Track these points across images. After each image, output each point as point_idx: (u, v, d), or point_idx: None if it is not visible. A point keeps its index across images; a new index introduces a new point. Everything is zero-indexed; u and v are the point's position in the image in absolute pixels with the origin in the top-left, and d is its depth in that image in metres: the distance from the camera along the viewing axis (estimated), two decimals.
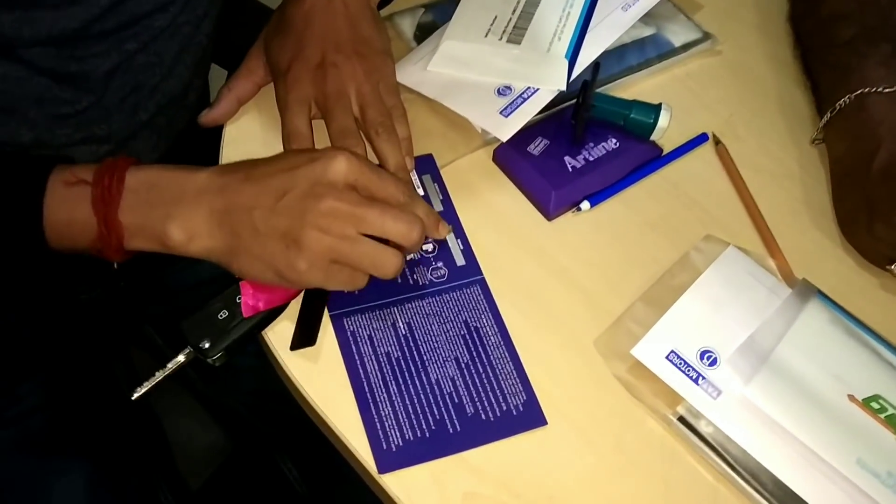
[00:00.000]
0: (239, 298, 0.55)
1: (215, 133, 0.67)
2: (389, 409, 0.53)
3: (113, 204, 0.52)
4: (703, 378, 0.55)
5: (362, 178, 0.52)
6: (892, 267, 0.62)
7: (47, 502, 0.67)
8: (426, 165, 0.65)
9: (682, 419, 0.54)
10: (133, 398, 0.55)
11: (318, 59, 0.62)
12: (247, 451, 0.87)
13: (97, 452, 0.71)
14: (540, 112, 0.65)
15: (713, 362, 0.55)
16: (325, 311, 0.57)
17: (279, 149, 0.62)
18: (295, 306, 0.57)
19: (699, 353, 0.56)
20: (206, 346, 0.54)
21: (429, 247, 0.61)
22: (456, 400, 0.54)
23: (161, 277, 0.83)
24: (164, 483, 0.76)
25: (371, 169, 0.53)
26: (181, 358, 0.55)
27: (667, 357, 0.55)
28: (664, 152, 0.68)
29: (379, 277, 0.54)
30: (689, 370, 0.55)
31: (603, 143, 0.66)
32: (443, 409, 0.54)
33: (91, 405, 0.75)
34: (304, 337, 0.55)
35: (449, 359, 0.56)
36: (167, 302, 0.84)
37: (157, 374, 0.55)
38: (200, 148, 0.68)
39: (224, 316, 0.55)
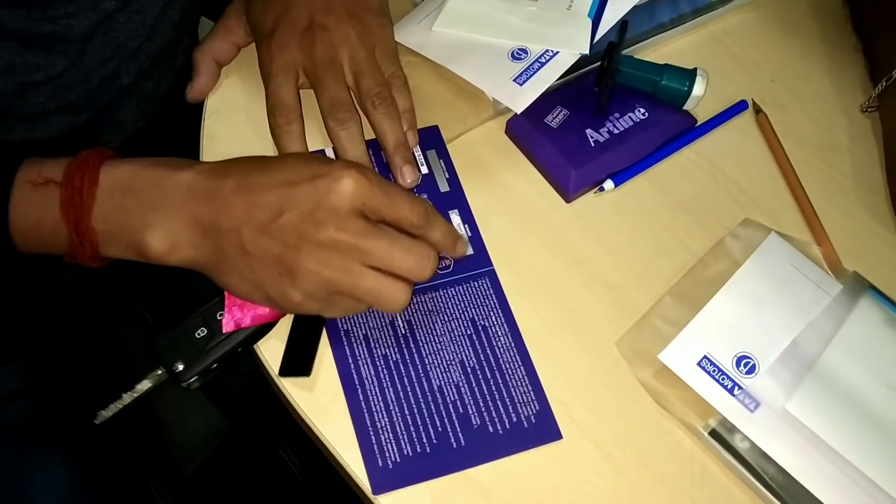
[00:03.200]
0: (220, 314, 0.49)
1: None
2: (386, 419, 0.48)
3: (84, 209, 0.46)
4: (740, 388, 0.49)
5: (371, 201, 0.45)
6: None
7: (26, 495, 0.63)
8: (431, 139, 0.59)
9: (714, 433, 0.48)
10: (97, 422, 0.49)
11: (305, 20, 0.56)
12: (244, 433, 0.83)
13: (81, 441, 0.67)
14: (559, 78, 0.58)
15: (751, 370, 0.49)
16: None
17: (264, 120, 0.56)
18: (286, 322, 0.51)
19: (735, 359, 0.49)
20: (180, 368, 0.48)
21: None
22: (461, 410, 0.49)
23: None
24: (154, 472, 0.72)
25: (382, 189, 0.46)
26: (148, 382, 0.49)
27: (699, 363, 0.49)
28: (698, 123, 0.61)
29: (383, 312, 0.48)
30: (723, 378, 0.49)
31: (630, 114, 0.59)
32: (446, 420, 0.48)
33: (75, 390, 0.70)
34: (297, 363, 0.49)
35: (453, 362, 0.50)
36: (159, 278, 0.79)
37: (123, 396, 0.49)
38: (186, 114, 0.62)
39: (202, 334, 0.49)
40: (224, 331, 0.49)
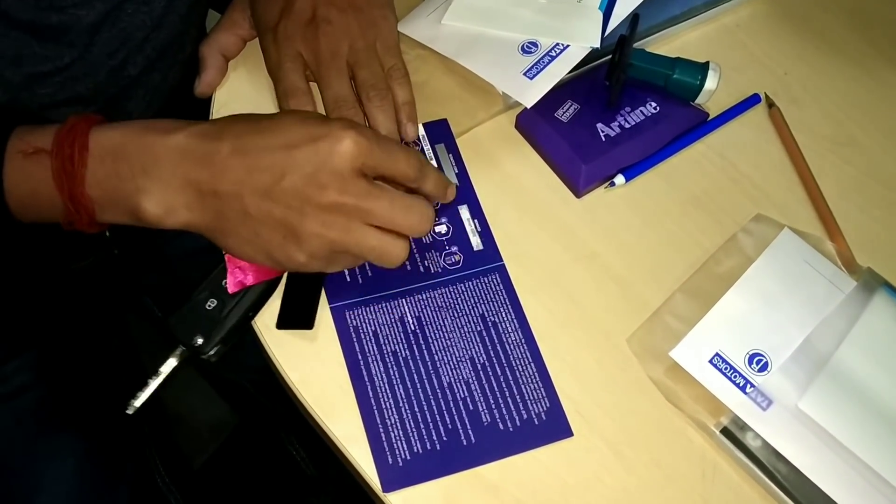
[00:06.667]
0: (225, 282, 0.49)
1: None
2: (396, 416, 0.48)
3: (77, 177, 0.46)
4: (752, 385, 0.48)
5: (370, 160, 0.46)
6: None
7: (35, 487, 0.64)
8: (440, 133, 0.58)
9: (726, 431, 0.48)
10: (129, 413, 0.50)
11: (308, 13, 0.56)
12: (252, 427, 0.83)
13: (90, 434, 0.68)
14: (570, 72, 0.58)
15: (763, 367, 0.49)
16: (323, 293, 0.52)
17: (274, 111, 0.55)
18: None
19: (748, 356, 0.49)
20: (200, 342, 0.49)
21: (442, 228, 0.54)
22: (470, 407, 0.48)
23: (158, 245, 0.78)
24: (162, 465, 0.72)
25: (380, 146, 0.46)
26: (174, 360, 0.50)
27: (710, 361, 0.49)
28: (710, 117, 0.60)
29: (385, 267, 0.49)
30: (735, 376, 0.48)
31: (641, 108, 0.59)
32: (455, 417, 0.48)
33: (84, 383, 0.70)
34: (297, 316, 0.50)
35: (463, 359, 0.50)
36: (165, 271, 0.79)
37: (150, 382, 0.50)
38: (194, 107, 0.62)
39: (213, 305, 0.49)
40: (230, 291, 0.49)
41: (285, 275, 0.52)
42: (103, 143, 0.47)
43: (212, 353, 0.49)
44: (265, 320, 0.51)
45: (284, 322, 0.50)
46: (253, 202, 0.45)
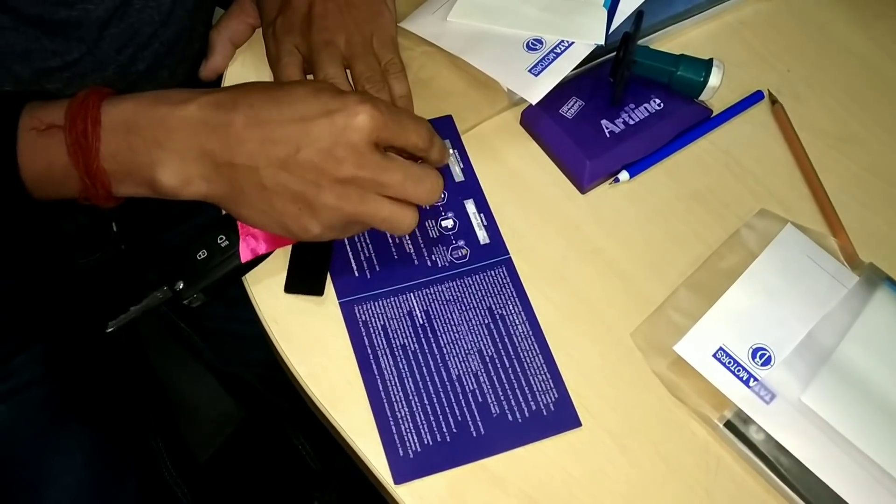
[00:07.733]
0: (221, 238, 0.51)
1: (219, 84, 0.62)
2: (406, 409, 0.48)
3: (92, 151, 0.46)
4: (755, 379, 0.49)
5: (384, 133, 0.47)
6: None
7: (44, 481, 0.64)
8: (445, 128, 0.59)
9: (729, 424, 0.48)
10: (108, 332, 0.51)
11: (306, 7, 0.57)
12: (258, 422, 0.83)
13: (98, 427, 0.68)
14: (575, 69, 0.58)
15: (767, 361, 0.49)
16: (333, 289, 0.53)
17: None
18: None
19: (751, 350, 0.50)
20: (181, 286, 0.50)
21: (448, 222, 0.55)
22: (480, 399, 0.49)
23: (164, 240, 0.78)
24: (169, 458, 0.72)
25: (394, 119, 0.47)
26: (155, 297, 0.51)
27: (714, 355, 0.50)
28: (714, 113, 0.61)
29: (395, 234, 0.51)
30: (738, 370, 0.49)
31: (645, 105, 0.59)
32: (465, 409, 0.49)
33: (91, 377, 0.71)
34: (307, 281, 0.51)
35: (471, 351, 0.50)
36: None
37: (130, 309, 0.51)
38: None
39: (203, 256, 0.51)
40: (242, 261, 0.50)
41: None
42: (115, 117, 0.47)
43: (191, 298, 0.51)
44: (273, 315, 0.51)
45: (293, 286, 0.51)
46: (269, 174, 0.46)
